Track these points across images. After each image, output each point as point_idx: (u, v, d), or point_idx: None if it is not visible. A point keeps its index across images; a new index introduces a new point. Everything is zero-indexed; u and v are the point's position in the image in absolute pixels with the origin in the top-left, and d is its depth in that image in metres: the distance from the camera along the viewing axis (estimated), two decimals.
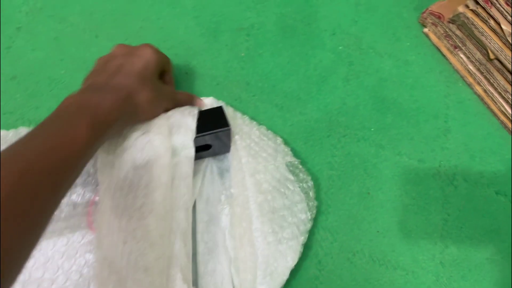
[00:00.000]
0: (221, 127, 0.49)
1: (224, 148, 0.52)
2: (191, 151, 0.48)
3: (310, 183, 0.53)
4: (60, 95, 0.56)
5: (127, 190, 0.45)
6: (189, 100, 0.53)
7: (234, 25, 0.64)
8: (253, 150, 0.53)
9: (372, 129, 0.59)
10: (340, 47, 0.64)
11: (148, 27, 0.62)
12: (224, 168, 0.53)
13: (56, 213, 0.44)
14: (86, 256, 0.47)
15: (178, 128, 0.48)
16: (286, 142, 0.56)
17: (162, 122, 0.48)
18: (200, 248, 0.49)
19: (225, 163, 0.54)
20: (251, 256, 0.48)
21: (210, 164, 0.53)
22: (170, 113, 0.50)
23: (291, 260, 0.49)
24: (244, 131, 0.54)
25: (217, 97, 0.56)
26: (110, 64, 0.47)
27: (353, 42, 0.65)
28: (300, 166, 0.54)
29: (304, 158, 0.57)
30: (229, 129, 0.50)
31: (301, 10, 0.66)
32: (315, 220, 0.54)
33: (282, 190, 0.52)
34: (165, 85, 0.52)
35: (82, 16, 0.61)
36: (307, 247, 0.52)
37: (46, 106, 0.56)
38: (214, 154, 0.53)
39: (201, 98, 0.55)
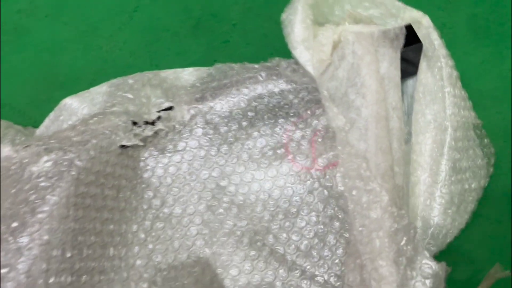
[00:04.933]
0: (412, 43, 0.47)
1: (410, 70, 0.50)
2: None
3: (493, 150, 0.56)
4: None
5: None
6: None
7: None
8: (458, 99, 0.51)
9: None
10: None
11: None
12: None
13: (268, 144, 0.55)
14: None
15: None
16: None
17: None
18: None
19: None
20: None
21: None
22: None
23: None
24: (454, 76, 0.51)
25: None
26: None
27: None
28: (484, 130, 0.55)
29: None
30: (421, 45, 0.47)
31: (493, 11, 0.67)
32: None
33: (470, 152, 0.53)
34: None
35: None
36: None
37: None
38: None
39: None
